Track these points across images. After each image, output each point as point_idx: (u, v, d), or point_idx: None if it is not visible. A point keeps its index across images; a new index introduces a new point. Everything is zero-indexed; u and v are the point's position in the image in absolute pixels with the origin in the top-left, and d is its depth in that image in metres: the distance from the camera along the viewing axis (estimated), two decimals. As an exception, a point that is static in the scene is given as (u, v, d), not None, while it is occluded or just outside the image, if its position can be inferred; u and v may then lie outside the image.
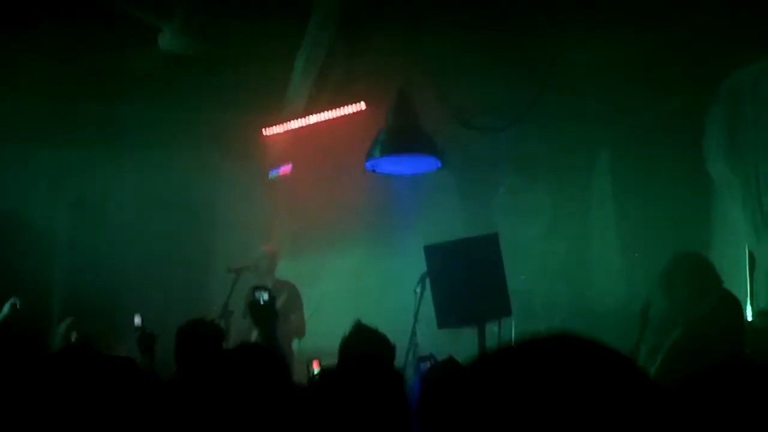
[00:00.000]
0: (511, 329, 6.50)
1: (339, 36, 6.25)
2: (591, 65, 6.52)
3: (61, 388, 2.29)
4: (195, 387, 3.19)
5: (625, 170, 7.94)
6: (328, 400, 1.89)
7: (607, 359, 0.96)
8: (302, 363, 5.58)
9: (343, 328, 4.03)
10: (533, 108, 6.21)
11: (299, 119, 7.82)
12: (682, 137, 7.10)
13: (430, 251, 5.49)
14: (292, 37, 6.45)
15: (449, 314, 5.25)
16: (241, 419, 2.64)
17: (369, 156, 6.34)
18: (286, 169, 8.34)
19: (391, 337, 4.00)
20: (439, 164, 6.45)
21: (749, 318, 6.22)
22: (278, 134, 8.17)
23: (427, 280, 5.56)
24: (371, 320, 4.07)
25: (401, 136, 6.28)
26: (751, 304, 6.48)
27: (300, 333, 7.19)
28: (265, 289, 4.46)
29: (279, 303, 6.75)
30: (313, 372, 4.74)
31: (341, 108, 7.55)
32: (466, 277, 5.17)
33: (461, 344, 5.27)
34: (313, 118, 7.69)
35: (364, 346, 3.64)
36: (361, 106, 7.53)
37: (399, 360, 4.77)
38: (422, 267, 5.65)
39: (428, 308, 5.59)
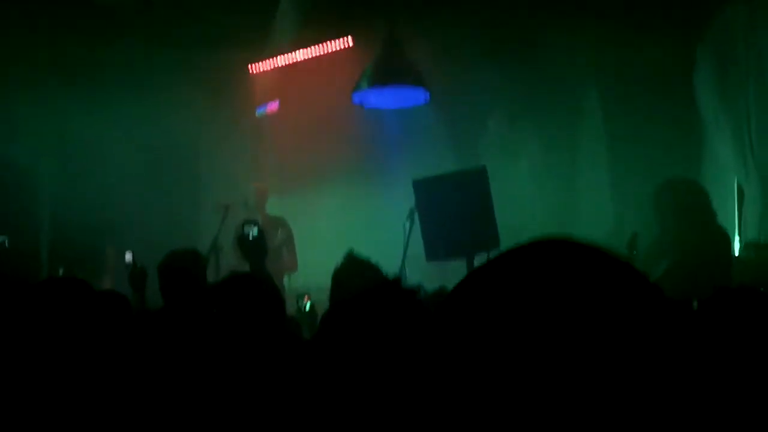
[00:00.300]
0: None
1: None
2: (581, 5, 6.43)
3: (47, 315, 2.27)
4: (184, 318, 3.19)
5: (615, 108, 7.89)
6: (348, 330, 1.68)
7: (606, 259, 0.93)
8: (291, 299, 5.58)
9: (333, 263, 4.02)
10: (522, 45, 6.14)
11: (286, 55, 7.71)
12: (672, 72, 7.04)
13: (419, 185, 5.47)
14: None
15: (438, 247, 5.25)
16: (236, 348, 2.63)
17: (357, 87, 6.29)
18: (273, 106, 8.26)
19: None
20: (427, 97, 6.42)
21: (737, 252, 6.26)
22: (265, 72, 8.07)
23: (416, 215, 5.55)
24: (361, 255, 4.06)
25: (389, 68, 6.24)
26: (740, 237, 6.52)
27: (292, 269, 7.22)
28: (255, 223, 4.43)
29: (276, 240, 6.77)
30: (305, 306, 4.74)
31: (328, 43, 7.45)
32: (454, 210, 5.16)
33: (450, 279, 5.27)
34: (300, 54, 7.59)
35: (357, 277, 3.63)
36: (349, 41, 7.43)
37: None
38: (411, 202, 5.64)
39: (417, 244, 5.59)
